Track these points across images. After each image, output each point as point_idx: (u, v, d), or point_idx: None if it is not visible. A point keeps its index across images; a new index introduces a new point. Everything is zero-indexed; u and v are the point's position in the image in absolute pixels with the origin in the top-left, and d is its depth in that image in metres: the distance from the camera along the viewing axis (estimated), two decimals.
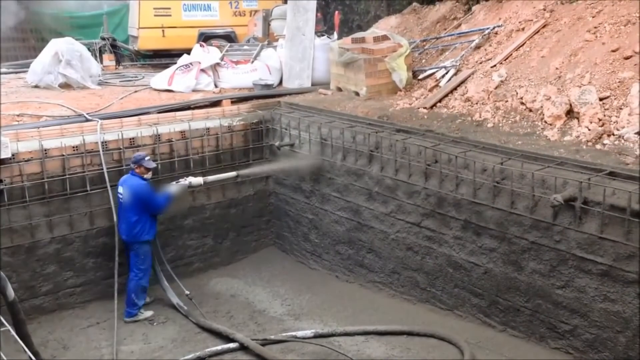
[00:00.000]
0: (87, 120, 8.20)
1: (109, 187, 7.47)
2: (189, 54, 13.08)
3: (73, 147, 7.46)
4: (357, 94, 10.12)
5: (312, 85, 11.00)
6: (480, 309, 6.53)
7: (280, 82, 11.18)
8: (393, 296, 7.49)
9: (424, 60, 10.83)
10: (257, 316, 7.51)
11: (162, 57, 14.52)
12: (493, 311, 6.40)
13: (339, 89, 10.55)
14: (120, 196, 7.32)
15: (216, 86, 10.85)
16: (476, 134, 7.41)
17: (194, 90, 10.61)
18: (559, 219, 5.62)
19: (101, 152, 7.51)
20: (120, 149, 7.75)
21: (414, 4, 13.51)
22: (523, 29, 9.78)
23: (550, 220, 5.68)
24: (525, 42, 9.28)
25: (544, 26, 9.39)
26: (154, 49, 13.72)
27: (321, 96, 10.36)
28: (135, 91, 10.65)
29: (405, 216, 7.14)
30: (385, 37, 10.78)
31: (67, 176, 7.38)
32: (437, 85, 9.74)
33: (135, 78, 12.10)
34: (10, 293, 4.65)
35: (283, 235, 9.13)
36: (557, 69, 8.33)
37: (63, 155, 7.38)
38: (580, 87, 7.58)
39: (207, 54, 11.04)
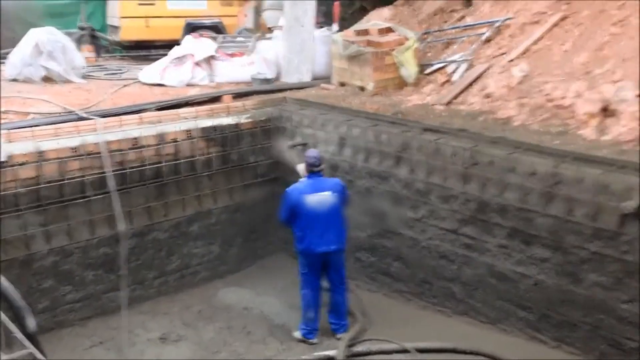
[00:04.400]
0: (82, 118, 7.44)
1: (114, 192, 6.74)
2: (173, 45, 12.38)
3: (71, 149, 6.72)
4: (362, 89, 9.57)
5: (312, 79, 10.41)
6: (528, 323, 6.07)
7: (278, 77, 10.53)
8: (424, 307, 6.99)
9: (430, 54, 10.32)
10: (276, 332, 6.94)
11: (144, 49, 13.71)
12: (544, 326, 5.95)
13: (342, 84, 9.99)
14: (318, 204, 6.34)
15: (211, 80, 10.16)
16: (505, 132, 6.95)
17: (188, 85, 9.90)
18: (626, 227, 5.17)
19: (104, 154, 6.78)
20: (122, 150, 7.04)
21: None
22: (538, 21, 9.35)
23: (615, 229, 5.23)
24: (543, 36, 8.85)
25: (563, 19, 8.97)
26: (136, 39, 12.88)
27: (324, 91, 9.78)
28: (125, 85, 9.87)
29: (439, 222, 6.64)
30: (389, 30, 10.26)
31: (66, 181, 6.63)
32: (448, 81, 9.26)
33: (120, 71, 11.30)
34: (31, 324, 4.03)
35: (292, 240, 8.50)
36: (583, 64, 7.92)
37: (60, 158, 6.63)
38: (614, 83, 7.17)
39: (200, 46, 10.32)
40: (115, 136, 7.03)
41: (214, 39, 10.88)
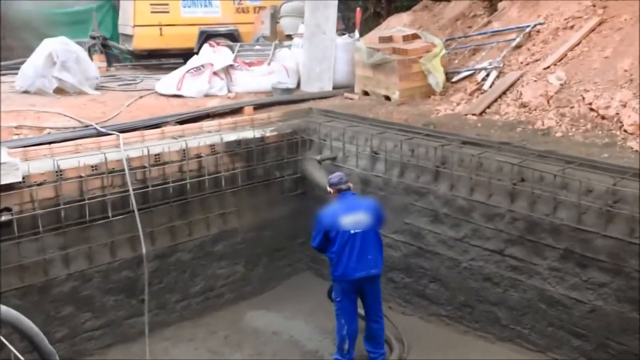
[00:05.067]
0: (102, 133, 7.06)
1: (136, 212, 6.35)
2: (187, 54, 12.03)
3: (92, 167, 6.33)
4: (387, 98, 9.20)
5: (333, 88, 10.03)
6: (583, 352, 5.65)
7: (298, 86, 10.15)
8: (465, 332, 6.57)
9: (456, 61, 9.93)
10: (310, 358, 6.52)
11: (157, 58, 13.38)
12: (601, 355, 5.53)
13: (366, 93, 9.61)
14: (354, 225, 5.82)
15: (229, 90, 9.78)
16: (547, 144, 6.57)
17: (206, 96, 9.54)
18: None
19: (127, 172, 6.39)
20: (145, 167, 6.64)
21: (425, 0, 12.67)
22: (572, 26, 8.98)
23: None
24: (580, 42, 8.47)
25: (600, 24, 8.59)
26: (150, 48, 12.51)
27: (348, 101, 9.40)
28: (141, 97, 9.51)
29: (483, 242, 6.23)
30: (415, 36, 9.89)
31: (86, 201, 6.24)
32: (478, 89, 8.89)
33: (134, 81, 10.93)
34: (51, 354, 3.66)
35: (319, 259, 8.09)
36: (625, 71, 7.54)
37: (81, 177, 6.24)
38: None
39: (218, 55, 9.94)
40: (137, 152, 6.64)
41: (231, 47, 10.48)
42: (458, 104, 8.63)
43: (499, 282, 6.16)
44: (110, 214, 6.39)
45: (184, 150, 6.93)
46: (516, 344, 6.16)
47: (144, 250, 6.34)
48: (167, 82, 9.75)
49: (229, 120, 7.80)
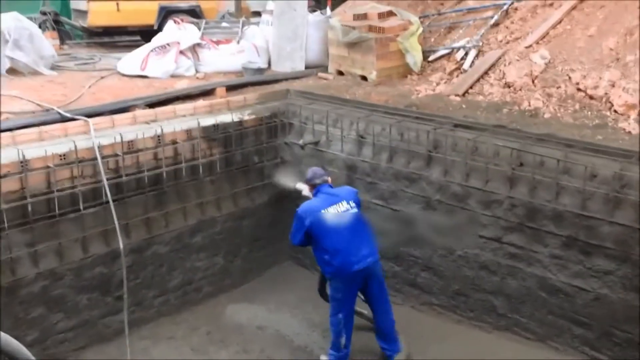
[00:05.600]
0: (69, 118, 6.51)
1: (111, 204, 5.87)
2: (146, 31, 11.41)
3: (60, 156, 5.80)
4: (364, 78, 8.88)
5: (306, 68, 9.63)
6: (585, 340, 5.51)
7: (269, 65, 9.71)
8: (459, 322, 6.37)
9: (432, 40, 9.64)
10: (299, 355, 6.22)
11: (112, 35, 12.66)
12: (605, 344, 5.39)
13: (340, 73, 9.26)
14: (340, 218, 5.47)
15: (197, 70, 9.27)
16: (537, 126, 6.37)
17: (172, 76, 9.01)
18: None
19: (99, 160, 5.88)
20: (117, 155, 6.14)
21: None
22: (551, 4, 8.79)
23: None
24: (562, 19, 8.28)
25: (582, 1, 8.42)
26: (106, 25, 11.78)
27: (322, 81, 9.03)
28: (102, 77, 8.89)
29: (480, 229, 6.00)
30: (391, 13, 9.57)
31: (55, 193, 5.72)
32: (458, 68, 8.65)
33: (92, 60, 10.26)
34: None
35: (302, 249, 7.77)
36: (611, 49, 7.40)
37: (49, 167, 5.71)
38: None
39: (184, 33, 9.39)
40: (109, 139, 6.13)
41: (197, 24, 9.92)
42: (438, 84, 8.37)
43: (495, 270, 5.95)
44: (81, 207, 5.89)
45: (158, 137, 6.45)
46: (513, 333, 5.99)
47: (121, 245, 5.88)
48: (129, 61, 9.16)
49: (204, 103, 7.33)
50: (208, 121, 6.87)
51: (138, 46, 9.66)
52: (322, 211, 5.48)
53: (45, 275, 5.79)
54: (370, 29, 8.92)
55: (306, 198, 5.94)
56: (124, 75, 9.04)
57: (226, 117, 7.05)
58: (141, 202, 6.38)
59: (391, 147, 6.60)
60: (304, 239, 5.57)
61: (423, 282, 6.61)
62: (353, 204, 5.58)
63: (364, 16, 9.47)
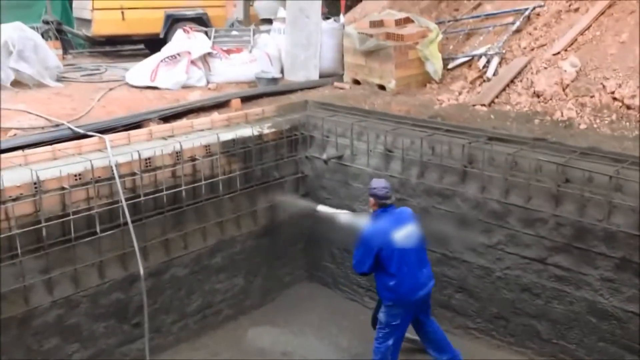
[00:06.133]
0: (80, 134, 6.16)
1: (130, 225, 5.50)
2: (151, 40, 11.07)
3: (75, 176, 5.43)
4: (381, 87, 8.57)
5: (320, 77, 9.31)
6: None
7: (282, 75, 9.38)
8: (498, 347, 6.03)
9: (450, 47, 9.33)
10: None
11: (116, 44, 12.30)
12: None
13: (357, 82, 8.95)
14: (407, 240, 5.14)
15: (208, 81, 8.93)
16: (574, 138, 6.05)
17: (183, 87, 8.66)
18: None
19: (117, 180, 5.52)
20: (135, 173, 5.79)
21: None
22: (577, 9, 8.50)
23: None
24: (590, 25, 7.98)
25: (610, 6, 8.12)
26: (111, 34, 11.40)
27: (339, 91, 8.72)
28: (111, 89, 8.54)
29: (521, 250, 5.66)
30: (408, 20, 9.27)
31: (71, 216, 5.35)
32: (480, 77, 8.36)
33: (97, 71, 9.90)
34: None
35: (323, 266, 7.44)
36: None
37: (64, 189, 5.34)
38: None
39: (194, 42, 9.05)
40: (126, 157, 5.77)
41: (206, 33, 9.58)
42: (460, 93, 8.07)
43: (539, 293, 5.61)
44: (98, 229, 5.52)
45: (177, 153, 6.09)
46: None
47: (141, 270, 5.50)
48: (139, 72, 8.81)
49: (221, 116, 6.99)
50: (227, 136, 6.52)
51: (143, 56, 9.34)
52: (392, 233, 5.11)
53: (60, 304, 5.42)
54: (388, 36, 8.61)
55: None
56: (133, 86, 8.70)
57: (245, 131, 6.71)
58: (159, 223, 6.02)
59: (422, 162, 6.25)
60: (372, 265, 5.16)
61: (457, 304, 6.27)
62: (417, 226, 5.26)
63: (380, 23, 9.17)
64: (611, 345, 5.29)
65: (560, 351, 5.61)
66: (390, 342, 5.26)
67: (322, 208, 6.32)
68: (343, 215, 5.99)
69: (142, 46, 12.44)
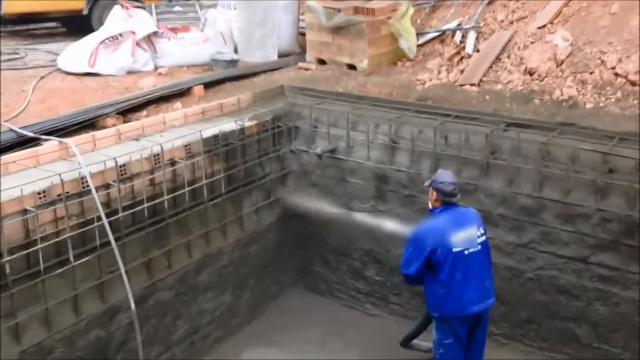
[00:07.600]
0: (29, 138, 5.02)
1: (114, 245, 4.49)
2: (71, 17, 9.70)
3: (39, 194, 4.34)
4: (351, 67, 7.83)
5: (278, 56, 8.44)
6: None
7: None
8: (529, 353, 5.52)
9: (418, 21, 8.67)
10: None
11: (29, 23, 10.79)
12: None
13: (321, 61, 8.15)
14: (468, 245, 4.42)
15: (156, 65, 7.82)
16: (588, 119, 5.60)
17: (129, 73, 7.54)
18: None
19: (95, 194, 4.47)
20: (110, 185, 4.74)
21: None
22: None
23: None
24: None
25: None
26: (25, 12, 9.90)
27: (305, 72, 7.91)
28: (42, 77, 7.28)
29: (558, 248, 5.13)
30: None
31: (39, 245, 4.27)
32: (458, 53, 7.78)
33: (16, 55, 8.51)
34: None
35: (313, 271, 6.66)
36: None
37: (26, 211, 4.25)
38: None
39: (136, 20, 7.87)
40: (98, 166, 4.70)
41: (146, 9, 8.41)
42: (439, 72, 7.44)
43: (579, 294, 5.12)
44: (71, 257, 4.47)
45: (155, 156, 5.08)
46: None
47: (132, 304, 4.51)
48: (73, 55, 7.59)
49: (195, 108, 5.99)
50: (208, 132, 5.55)
51: (62, 35, 8.07)
52: (451, 234, 4.39)
53: (31, 353, 4.35)
54: (357, 10, 7.82)
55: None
56: (68, 73, 7.48)
57: (227, 126, 5.76)
58: (140, 241, 5.02)
59: (435, 154, 5.57)
60: (421, 268, 4.44)
61: None
62: (482, 231, 4.54)
63: None
64: None
65: (602, 355, 5.16)
66: None
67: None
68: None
69: (58, 24, 10.98)
